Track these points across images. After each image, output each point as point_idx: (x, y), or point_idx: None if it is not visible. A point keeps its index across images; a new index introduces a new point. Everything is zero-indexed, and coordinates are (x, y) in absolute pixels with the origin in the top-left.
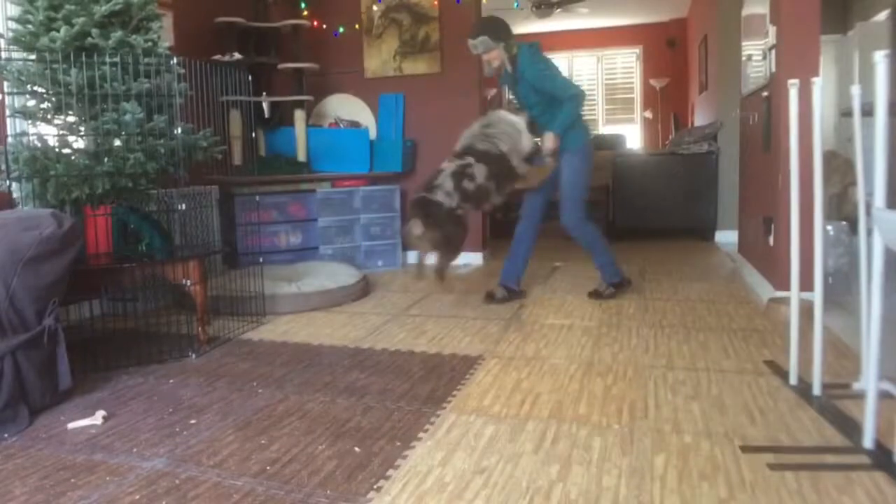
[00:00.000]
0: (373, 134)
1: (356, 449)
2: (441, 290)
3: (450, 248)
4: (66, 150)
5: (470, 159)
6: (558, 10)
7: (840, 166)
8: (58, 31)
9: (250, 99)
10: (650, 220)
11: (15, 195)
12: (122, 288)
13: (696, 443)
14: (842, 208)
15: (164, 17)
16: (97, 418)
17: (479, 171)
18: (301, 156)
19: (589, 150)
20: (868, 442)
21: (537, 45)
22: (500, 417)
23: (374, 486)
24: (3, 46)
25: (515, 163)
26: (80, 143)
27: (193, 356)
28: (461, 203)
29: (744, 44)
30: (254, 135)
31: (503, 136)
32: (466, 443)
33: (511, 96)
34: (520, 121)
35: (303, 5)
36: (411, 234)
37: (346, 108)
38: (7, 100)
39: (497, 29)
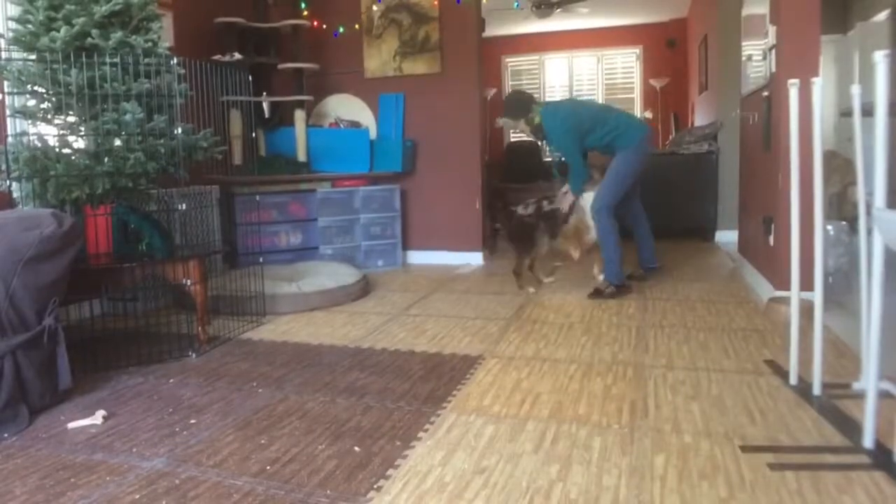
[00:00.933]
0: (373, 134)
1: (356, 449)
2: (517, 286)
3: (515, 245)
4: (66, 150)
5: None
6: (558, 10)
7: (840, 166)
8: (58, 31)
9: (250, 99)
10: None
11: (15, 195)
12: (122, 288)
13: (696, 443)
14: (842, 208)
15: (163, 17)
16: (97, 418)
17: (563, 203)
18: (301, 156)
19: (642, 148)
20: (868, 442)
21: (550, 110)
22: (500, 417)
23: (374, 486)
24: (3, 46)
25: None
26: (80, 143)
27: (193, 356)
28: (533, 213)
29: (744, 44)
30: (254, 135)
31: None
32: (466, 443)
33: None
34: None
35: (303, 5)
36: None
37: (346, 108)
38: (7, 100)
39: (514, 107)
